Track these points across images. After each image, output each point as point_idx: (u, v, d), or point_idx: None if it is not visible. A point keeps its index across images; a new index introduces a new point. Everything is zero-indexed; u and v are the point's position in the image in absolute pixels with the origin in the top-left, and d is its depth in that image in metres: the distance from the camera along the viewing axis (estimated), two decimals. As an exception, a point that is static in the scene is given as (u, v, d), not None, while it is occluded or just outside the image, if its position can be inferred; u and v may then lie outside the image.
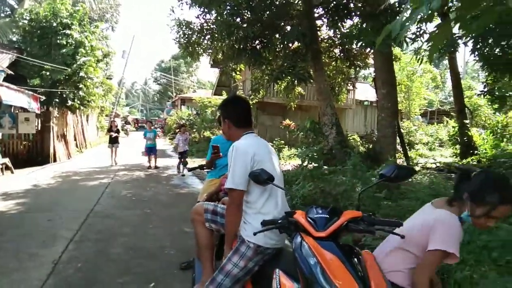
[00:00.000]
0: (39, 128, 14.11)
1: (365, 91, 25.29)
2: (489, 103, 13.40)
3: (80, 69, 15.54)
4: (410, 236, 1.93)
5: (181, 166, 12.01)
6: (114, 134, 13.93)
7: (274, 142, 17.95)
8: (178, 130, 20.76)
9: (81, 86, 16.01)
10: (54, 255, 4.57)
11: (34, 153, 13.93)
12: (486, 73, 10.37)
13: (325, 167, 8.03)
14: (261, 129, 21.67)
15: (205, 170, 4.89)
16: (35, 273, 4.05)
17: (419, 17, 1.82)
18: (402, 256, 1.99)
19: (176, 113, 30.89)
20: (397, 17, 1.88)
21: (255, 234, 2.17)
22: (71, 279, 3.95)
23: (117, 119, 48.72)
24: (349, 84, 15.12)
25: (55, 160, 14.38)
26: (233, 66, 13.07)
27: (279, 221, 2.09)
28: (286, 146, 17.59)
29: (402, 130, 20.88)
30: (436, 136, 22.00)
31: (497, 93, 11.29)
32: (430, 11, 1.68)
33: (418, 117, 27.75)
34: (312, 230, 1.90)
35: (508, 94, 11.57)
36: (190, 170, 5.10)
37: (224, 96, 19.90)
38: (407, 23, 1.78)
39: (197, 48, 12.74)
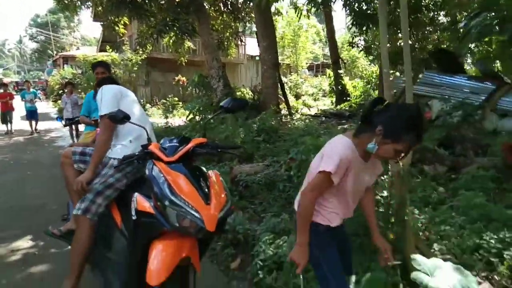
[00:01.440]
0: None
1: (257, 47, 25.93)
2: (365, 55, 14.89)
3: None
4: (312, 169, 1.97)
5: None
6: None
7: (168, 99, 17.79)
8: (62, 90, 19.10)
9: None
10: None
11: None
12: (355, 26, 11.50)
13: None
14: (153, 87, 21.13)
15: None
16: None
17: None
18: None
19: (58, 73, 28.25)
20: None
21: (115, 167, 2.43)
22: None
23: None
24: (237, 39, 15.43)
25: None
26: (115, 20, 12.41)
27: (137, 154, 2.36)
28: (181, 103, 17.59)
29: (290, 83, 22.32)
30: (320, 87, 23.85)
31: (364, 44, 12.70)
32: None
33: (305, 70, 29.52)
34: (163, 156, 2.21)
35: (372, 46, 13.08)
36: (65, 125, 5.03)
37: (110, 52, 18.80)
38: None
39: (73, 0, 11.79)
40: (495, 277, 2.76)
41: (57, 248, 3.53)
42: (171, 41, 13.45)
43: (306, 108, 16.20)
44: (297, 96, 21.58)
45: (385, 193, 2.74)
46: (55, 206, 4.86)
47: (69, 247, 3.02)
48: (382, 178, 3.00)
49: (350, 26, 10.03)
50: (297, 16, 10.81)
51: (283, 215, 3.84)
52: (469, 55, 14.57)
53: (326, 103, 18.76)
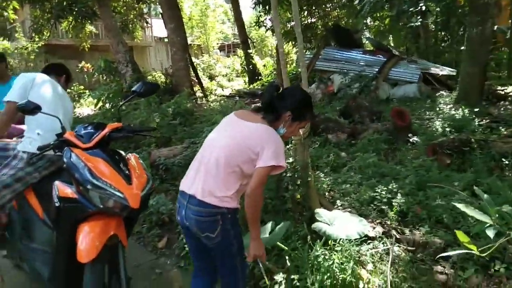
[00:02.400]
0: None
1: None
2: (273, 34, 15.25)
3: None
4: (237, 153, 1.90)
5: None
6: None
7: (73, 88, 16.66)
8: None
9: None
10: None
11: None
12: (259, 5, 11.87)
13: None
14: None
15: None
16: None
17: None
18: (234, 177, 1.93)
19: None
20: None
21: (31, 159, 2.43)
22: None
23: None
24: (142, 21, 14.96)
25: None
26: (2, 4, 11.27)
27: (52, 143, 2.38)
28: (87, 91, 16.59)
29: (202, 64, 22.24)
30: (233, 68, 24.09)
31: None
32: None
33: (216, 51, 29.49)
34: (79, 143, 2.27)
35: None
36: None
37: (1, 41, 16.99)
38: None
39: None
40: (387, 222, 3.29)
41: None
42: (70, 26, 12.61)
43: (220, 89, 16.38)
44: (211, 78, 21.57)
45: (290, 160, 3.08)
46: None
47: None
48: (287, 147, 3.35)
49: (254, 5, 10.32)
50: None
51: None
52: (366, 29, 15.93)
53: (240, 83, 19.10)
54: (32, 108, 2.34)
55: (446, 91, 8.35)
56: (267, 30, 12.43)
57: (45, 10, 10.90)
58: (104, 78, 12.99)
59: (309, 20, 13.91)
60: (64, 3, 9.12)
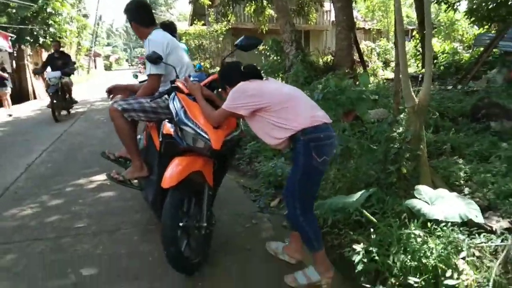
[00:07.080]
0: (14, 67, 14.22)
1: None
2: (467, 17, 13.24)
3: (46, 4, 15.37)
4: None
5: None
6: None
7: (251, 67, 18.29)
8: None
9: (50, 22, 15.91)
10: (28, 161, 5.32)
11: (12, 91, 14.11)
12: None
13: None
14: (239, 56, 21.79)
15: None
16: (11, 172, 4.82)
17: None
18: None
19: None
20: None
21: (152, 99, 2.85)
22: (41, 173, 4.77)
23: (99, 58, 47.61)
24: (317, 3, 15.17)
25: (35, 98, 14.74)
26: (199, -9, 13.07)
27: (167, 89, 2.75)
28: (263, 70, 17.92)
29: (378, 49, 21.28)
30: (413, 52, 22.26)
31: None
32: None
33: (397, 35, 27.69)
34: (184, 89, 2.57)
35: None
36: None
37: (199, 25, 19.76)
38: None
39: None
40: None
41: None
42: (252, 9, 13.80)
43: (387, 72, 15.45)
44: (386, 63, 20.49)
45: (400, 129, 2.77)
46: (132, 152, 5.63)
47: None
48: (401, 116, 3.01)
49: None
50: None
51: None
52: None
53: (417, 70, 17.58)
54: (155, 58, 2.74)
55: None
56: (465, 14, 10.95)
57: (230, -5, 12.15)
58: (272, 57, 13.77)
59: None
60: (242, -14, 9.97)
